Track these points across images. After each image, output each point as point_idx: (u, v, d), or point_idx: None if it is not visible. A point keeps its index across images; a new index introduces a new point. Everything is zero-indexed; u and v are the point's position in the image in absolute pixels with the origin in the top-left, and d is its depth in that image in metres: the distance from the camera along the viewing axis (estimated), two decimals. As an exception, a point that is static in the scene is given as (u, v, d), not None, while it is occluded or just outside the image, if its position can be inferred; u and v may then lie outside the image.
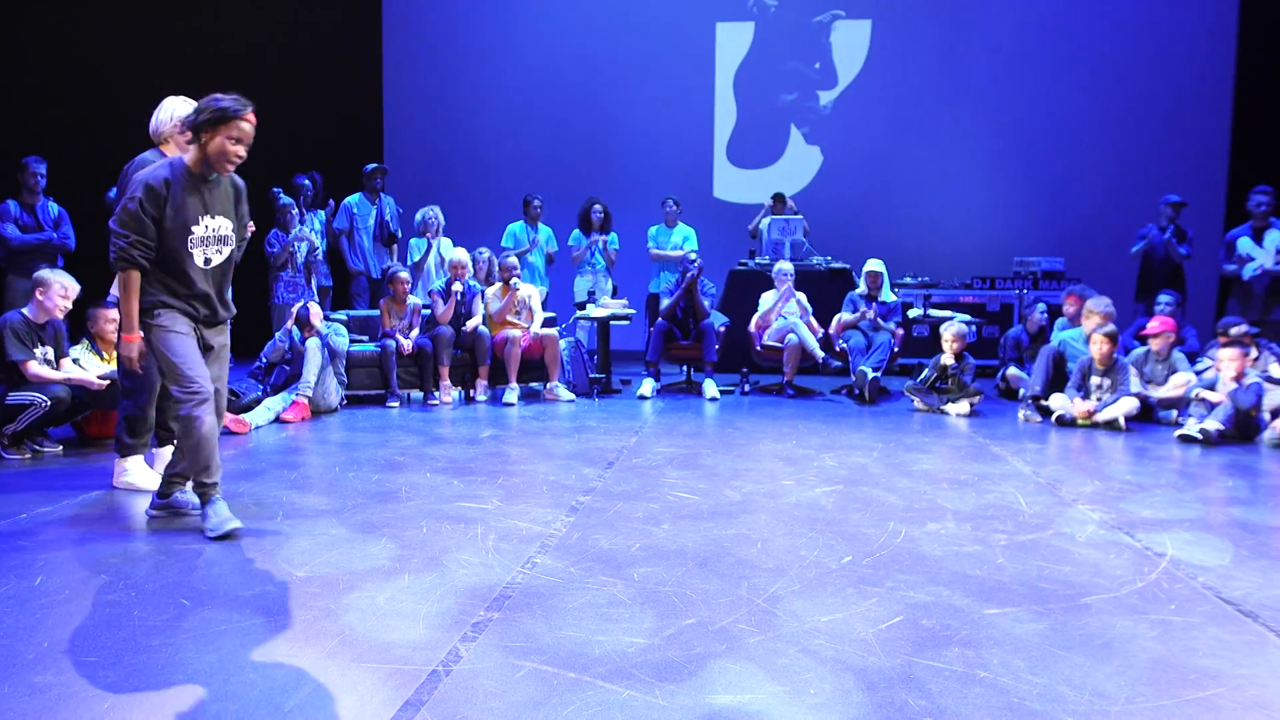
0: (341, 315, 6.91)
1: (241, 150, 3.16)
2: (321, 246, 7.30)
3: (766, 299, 7.35)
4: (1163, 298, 6.89)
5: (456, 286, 6.66)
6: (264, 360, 6.09)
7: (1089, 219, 10.13)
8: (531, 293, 6.93)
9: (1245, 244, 6.91)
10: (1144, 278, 7.82)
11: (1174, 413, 5.87)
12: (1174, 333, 6.12)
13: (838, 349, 7.20)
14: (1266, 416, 5.39)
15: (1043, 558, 3.03)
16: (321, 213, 7.61)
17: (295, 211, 7.03)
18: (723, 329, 7.24)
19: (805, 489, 3.96)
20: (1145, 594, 2.69)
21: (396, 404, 6.37)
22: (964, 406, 6.22)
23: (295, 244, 6.87)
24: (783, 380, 7.12)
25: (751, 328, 7.31)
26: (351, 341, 6.33)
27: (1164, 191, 8.12)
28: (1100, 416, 5.70)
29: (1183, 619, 2.50)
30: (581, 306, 7.58)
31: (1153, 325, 6.13)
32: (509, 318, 6.83)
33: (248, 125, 3.15)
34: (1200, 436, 5.19)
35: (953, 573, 2.85)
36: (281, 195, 7.08)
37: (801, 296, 7.30)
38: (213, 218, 3.26)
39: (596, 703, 1.96)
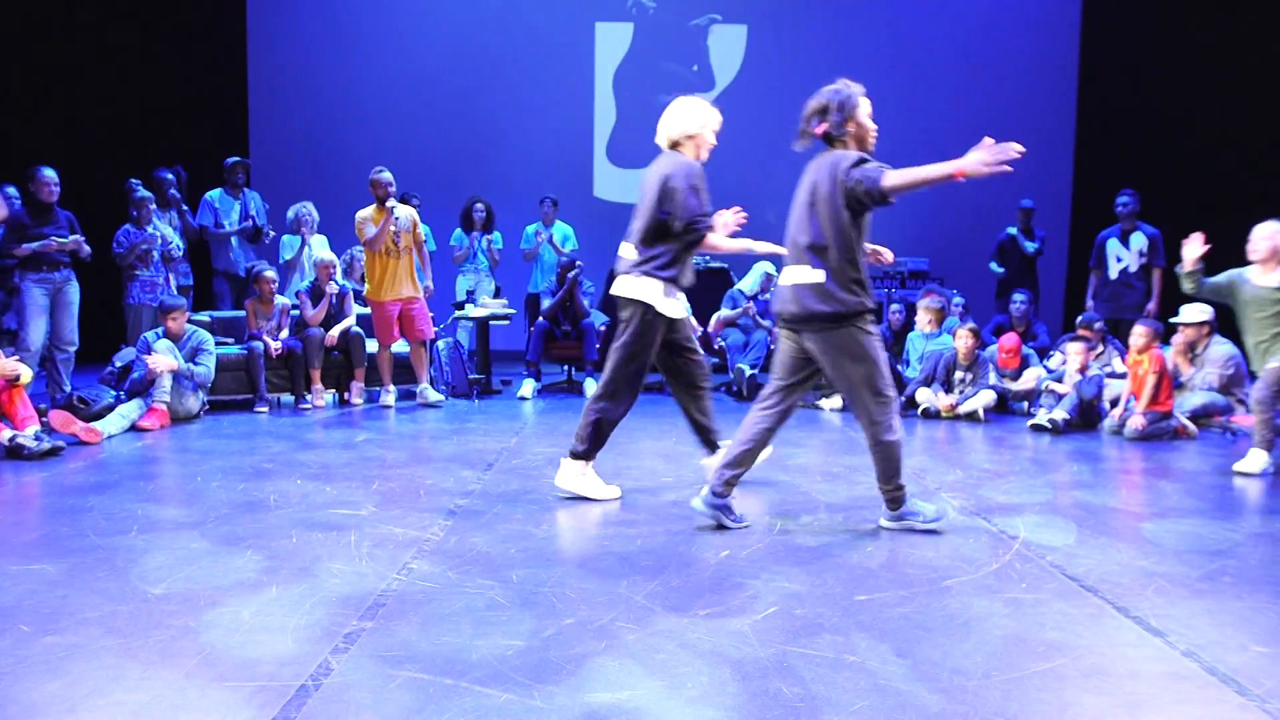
0: (204, 316, 6.57)
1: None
2: (181, 244, 6.91)
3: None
4: (1017, 296, 7.32)
5: (332, 287, 6.46)
6: (117, 365, 5.71)
7: (951, 221, 10.66)
8: (412, 214, 6.50)
9: (1113, 245, 7.28)
10: (1002, 278, 8.30)
11: (1026, 404, 6.25)
12: (1018, 353, 6.45)
13: (716, 347, 7.34)
14: (1107, 406, 5.81)
15: (908, 544, 3.17)
16: (184, 207, 7.21)
17: (153, 206, 6.63)
18: (603, 328, 7.26)
19: (684, 486, 4.02)
20: (1000, 574, 2.86)
21: (265, 409, 6.10)
22: (836, 401, 6.44)
23: (149, 242, 6.47)
24: (663, 379, 7.19)
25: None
26: (216, 343, 6.02)
27: (1019, 194, 8.65)
28: (962, 409, 6.02)
29: (1033, 596, 2.66)
30: (460, 306, 7.45)
31: (1006, 342, 6.45)
32: (391, 244, 6.28)
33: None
34: (1049, 426, 5.54)
35: (824, 562, 2.95)
36: (140, 188, 6.64)
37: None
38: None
39: (473, 708, 1.93)
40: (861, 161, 3.10)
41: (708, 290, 8.18)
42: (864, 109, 3.30)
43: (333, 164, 10.49)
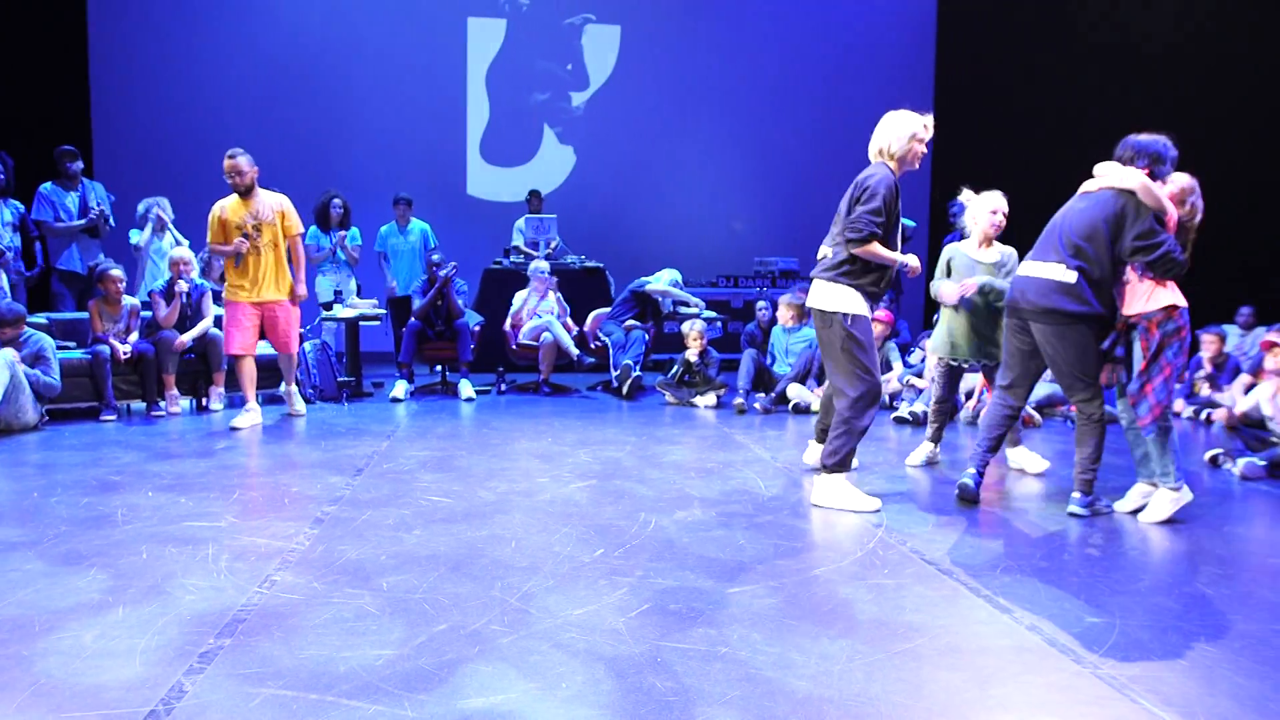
0: (41, 319, 6.09)
1: None
2: (12, 240, 6.37)
3: (521, 297, 7.36)
4: (880, 294, 7.67)
5: (181, 285, 6.07)
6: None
7: (819, 221, 11.02)
8: (279, 204, 5.67)
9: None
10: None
11: (889, 398, 6.54)
12: (891, 325, 6.80)
13: (594, 345, 7.36)
14: (963, 398, 6.15)
15: (779, 536, 3.26)
16: (16, 202, 6.63)
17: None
18: (477, 328, 7.16)
19: (560, 485, 4.00)
20: (864, 562, 2.98)
21: (113, 417, 5.71)
22: (711, 399, 6.57)
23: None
24: (539, 379, 7.16)
25: (507, 326, 7.29)
26: (57, 347, 5.59)
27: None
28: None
29: (894, 581, 2.78)
30: (328, 307, 7.19)
31: (878, 314, 6.77)
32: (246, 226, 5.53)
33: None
34: (910, 418, 5.82)
35: (698, 557, 3.00)
36: None
37: (557, 296, 7.38)
38: None
39: (340, 723, 1.86)
40: (1160, 248, 3.36)
41: (584, 288, 8.20)
42: None
43: (185, 158, 9.91)
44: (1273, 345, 4.67)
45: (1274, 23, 8.68)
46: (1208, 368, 6.53)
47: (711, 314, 7.88)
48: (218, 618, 2.42)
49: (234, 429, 5.40)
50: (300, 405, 6.00)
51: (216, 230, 5.62)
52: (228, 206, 5.63)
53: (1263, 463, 4.44)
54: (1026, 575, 2.85)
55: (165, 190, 7.41)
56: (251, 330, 5.65)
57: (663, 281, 7.52)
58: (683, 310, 7.72)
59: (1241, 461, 4.49)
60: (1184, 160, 3.62)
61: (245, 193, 5.61)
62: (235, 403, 6.21)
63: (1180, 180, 3.56)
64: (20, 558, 2.92)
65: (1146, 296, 3.51)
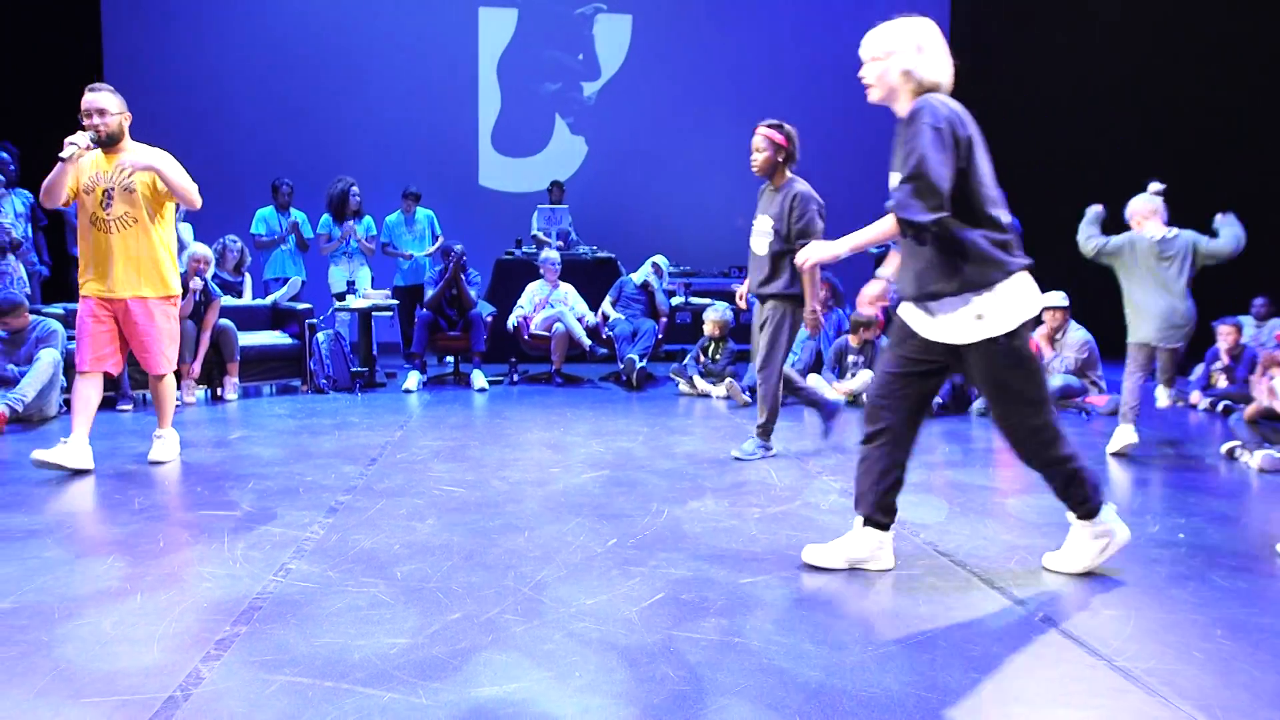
0: (58, 309, 6.13)
1: None
2: (26, 229, 6.42)
3: (534, 289, 7.37)
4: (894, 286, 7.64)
5: (196, 284, 6.07)
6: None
7: (835, 210, 10.97)
8: (145, 161, 4.12)
9: None
10: (879, 259, 8.65)
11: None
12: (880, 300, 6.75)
13: (605, 336, 7.36)
14: (976, 390, 6.12)
15: (791, 527, 3.26)
16: (25, 192, 6.67)
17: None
18: (490, 318, 7.17)
19: (572, 475, 4.01)
20: (877, 553, 2.96)
21: (129, 407, 5.76)
22: (724, 389, 6.56)
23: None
24: (551, 369, 7.17)
25: (514, 321, 7.30)
26: (70, 337, 5.63)
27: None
28: (843, 387, 6.23)
29: (907, 572, 2.78)
30: (341, 298, 7.21)
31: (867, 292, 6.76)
32: (98, 210, 4.03)
33: None
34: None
35: (711, 547, 3.00)
36: None
37: (570, 288, 7.38)
38: None
39: (355, 710, 1.87)
40: None
41: (595, 280, 8.20)
42: None
43: (197, 149, 9.93)
44: None
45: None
46: (1225, 359, 6.48)
47: (679, 299, 7.97)
48: (234, 605, 2.44)
49: (38, 462, 3.85)
50: (165, 453, 4.28)
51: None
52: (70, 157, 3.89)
53: (1280, 455, 4.40)
54: (1040, 567, 2.84)
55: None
56: (106, 337, 4.08)
57: (645, 267, 7.54)
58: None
59: (1259, 454, 4.45)
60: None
61: (108, 143, 4.07)
62: (249, 393, 6.23)
63: None
64: (39, 545, 2.95)
65: None
